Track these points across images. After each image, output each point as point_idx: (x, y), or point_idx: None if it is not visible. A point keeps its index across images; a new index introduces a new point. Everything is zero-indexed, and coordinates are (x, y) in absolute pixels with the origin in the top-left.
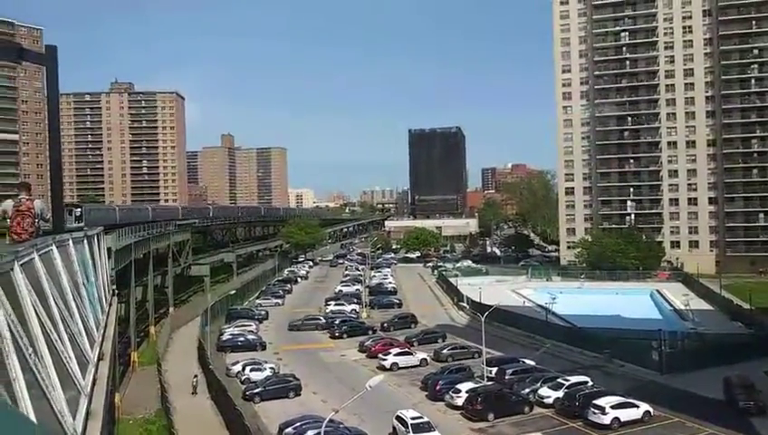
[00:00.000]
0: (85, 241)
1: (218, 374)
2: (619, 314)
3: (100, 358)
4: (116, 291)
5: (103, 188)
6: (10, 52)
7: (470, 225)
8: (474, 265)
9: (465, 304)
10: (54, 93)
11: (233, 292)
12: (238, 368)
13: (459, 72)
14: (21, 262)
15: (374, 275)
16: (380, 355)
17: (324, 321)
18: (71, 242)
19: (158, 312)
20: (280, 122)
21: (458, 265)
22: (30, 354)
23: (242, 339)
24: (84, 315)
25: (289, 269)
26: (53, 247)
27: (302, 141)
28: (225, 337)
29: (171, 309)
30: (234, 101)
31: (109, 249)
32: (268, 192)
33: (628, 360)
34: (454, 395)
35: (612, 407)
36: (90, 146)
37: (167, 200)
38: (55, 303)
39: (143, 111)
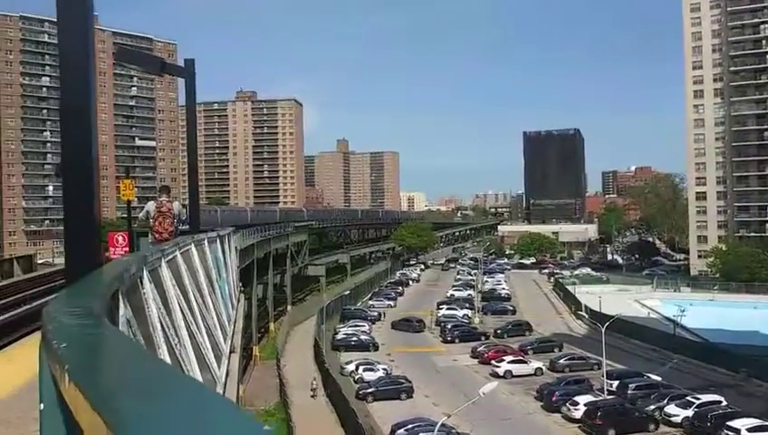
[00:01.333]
0: (218, 240)
1: (333, 372)
2: (758, 331)
3: (232, 350)
4: (242, 288)
5: (229, 191)
6: (155, 65)
7: (589, 230)
8: (593, 272)
9: (583, 314)
10: (192, 103)
11: (347, 292)
12: (352, 367)
13: (577, 71)
14: (166, 259)
15: (487, 281)
16: (493, 362)
17: (415, 322)
18: (206, 241)
19: (276, 309)
20: (393, 126)
21: (576, 272)
22: (176, 344)
23: (355, 339)
24: (218, 310)
25: (401, 272)
26: (192, 246)
27: (415, 145)
28: (339, 336)
29: (289, 307)
30: (349, 107)
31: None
32: (381, 195)
33: None
34: (571, 407)
35: (749, 430)
36: (217, 151)
37: (285, 202)
38: (194, 297)
39: (265, 118)
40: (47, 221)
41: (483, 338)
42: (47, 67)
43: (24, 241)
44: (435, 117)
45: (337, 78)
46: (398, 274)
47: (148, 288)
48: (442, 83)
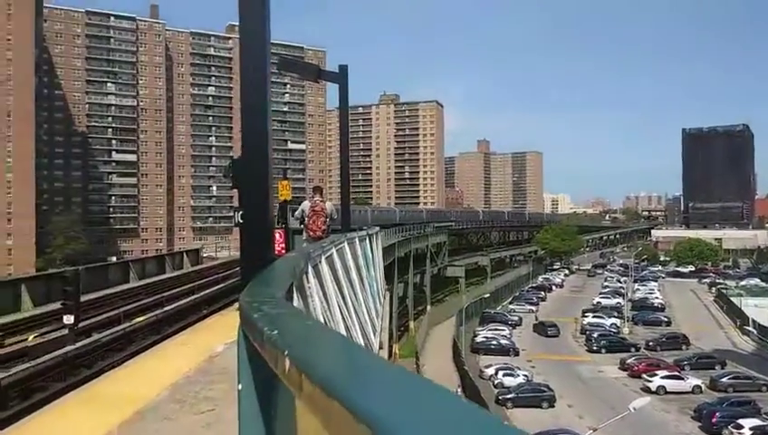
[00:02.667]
0: (367, 239)
1: (471, 375)
2: None
3: (380, 347)
4: (387, 286)
5: (371, 192)
6: (312, 72)
7: (759, 237)
8: (763, 284)
9: (750, 329)
10: (345, 107)
11: (487, 295)
12: (491, 371)
13: (743, 60)
14: (325, 256)
15: (638, 289)
16: (645, 376)
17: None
18: (357, 239)
19: (416, 308)
20: (536, 127)
21: (743, 283)
22: None
23: (495, 343)
24: (368, 305)
25: (543, 276)
26: (345, 244)
27: (560, 146)
28: (478, 339)
29: (429, 307)
30: (491, 108)
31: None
32: (522, 197)
33: None
34: (734, 431)
35: None
36: (361, 153)
37: (425, 203)
38: (348, 292)
39: (407, 120)
40: (210, 218)
41: (632, 350)
42: (213, 78)
43: (191, 236)
44: (581, 116)
45: (479, 79)
46: (540, 278)
47: (312, 283)
48: (589, 82)
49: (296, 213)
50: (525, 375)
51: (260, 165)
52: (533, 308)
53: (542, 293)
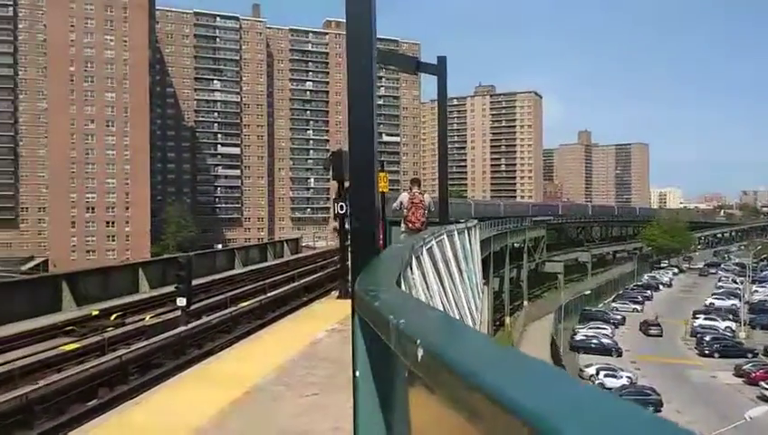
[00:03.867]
0: (465, 232)
1: (570, 374)
2: None
3: None
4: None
5: (466, 184)
6: (410, 65)
7: None
8: None
9: None
10: (443, 99)
11: (587, 292)
12: (592, 371)
13: None
14: (426, 248)
15: (756, 290)
16: (763, 383)
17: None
18: (455, 232)
19: (512, 304)
20: (642, 117)
21: None
22: None
23: (596, 342)
24: (467, 297)
25: (649, 274)
26: (444, 236)
27: (668, 137)
28: (578, 337)
29: (525, 303)
30: (592, 97)
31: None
32: (627, 190)
33: None
34: None
35: None
36: (456, 145)
37: (522, 196)
38: (448, 284)
39: (503, 112)
40: (308, 209)
41: (749, 355)
42: (310, 73)
43: (290, 226)
44: (692, 104)
45: (580, 68)
46: (645, 276)
47: (416, 273)
48: (701, 66)
49: (394, 205)
50: (629, 377)
51: (366, 157)
52: (638, 307)
53: (648, 292)
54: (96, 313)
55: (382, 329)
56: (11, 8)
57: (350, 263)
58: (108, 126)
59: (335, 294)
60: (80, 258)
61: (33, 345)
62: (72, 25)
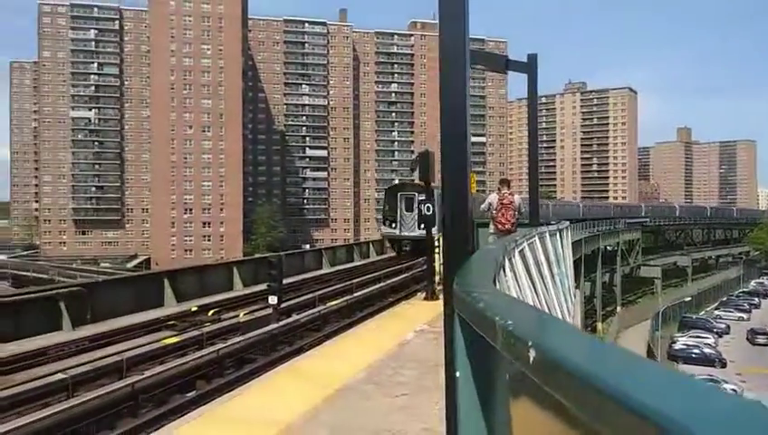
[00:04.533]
0: (557, 234)
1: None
2: None
3: None
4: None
5: (555, 184)
6: (500, 63)
7: None
8: None
9: None
10: (533, 97)
11: (688, 298)
12: None
13: None
14: (518, 249)
15: None
16: None
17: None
18: (547, 234)
19: (605, 309)
20: (748, 113)
21: None
22: None
23: (697, 351)
24: (559, 301)
25: (757, 281)
26: (536, 238)
27: None
28: (677, 346)
29: (618, 308)
30: (692, 93)
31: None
32: (731, 191)
33: None
34: None
35: None
36: (544, 145)
37: (615, 197)
38: (540, 287)
39: (594, 109)
40: None
41: None
42: (395, 75)
43: (375, 227)
44: None
45: (679, 63)
46: (753, 283)
47: (509, 276)
48: None
49: (482, 206)
50: (733, 389)
51: (458, 160)
52: (744, 316)
53: (756, 299)
54: (195, 309)
55: (487, 330)
56: (117, 21)
57: (436, 265)
58: (204, 131)
59: (421, 295)
60: (178, 257)
61: (138, 338)
62: (172, 36)
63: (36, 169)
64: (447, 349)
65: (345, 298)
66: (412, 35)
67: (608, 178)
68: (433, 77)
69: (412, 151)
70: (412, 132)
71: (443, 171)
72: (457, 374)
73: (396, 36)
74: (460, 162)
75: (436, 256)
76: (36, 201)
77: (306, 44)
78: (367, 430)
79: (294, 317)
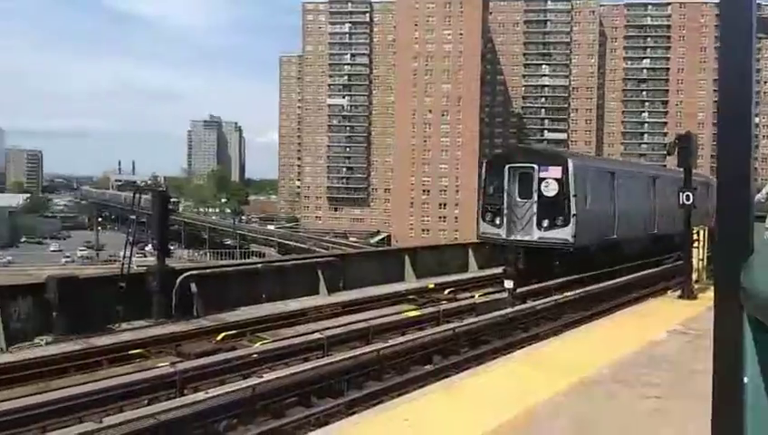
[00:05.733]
0: None
1: None
2: None
3: None
4: None
5: None
6: None
7: None
8: None
9: None
10: None
11: None
12: None
13: None
14: None
15: None
16: None
17: None
18: None
19: None
20: None
21: None
22: None
23: None
24: None
25: None
26: None
27: None
28: None
29: None
30: None
31: None
32: None
33: None
34: None
35: None
36: None
37: None
38: None
39: None
40: None
41: None
42: (648, 50)
43: None
44: None
45: None
46: None
47: None
48: None
49: (758, 196)
50: None
51: (739, 147)
52: None
53: None
54: (432, 286)
55: None
56: (368, 14)
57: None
58: (443, 115)
59: (673, 293)
60: (416, 235)
61: (383, 308)
62: (415, 24)
63: (299, 151)
64: (727, 353)
65: (585, 289)
66: (669, 4)
67: None
68: (693, 49)
69: (665, 134)
70: (665, 112)
71: (720, 157)
72: (745, 380)
73: (650, 7)
74: (741, 151)
75: (694, 251)
76: (299, 180)
77: (548, 23)
78: (613, 429)
79: (529, 304)
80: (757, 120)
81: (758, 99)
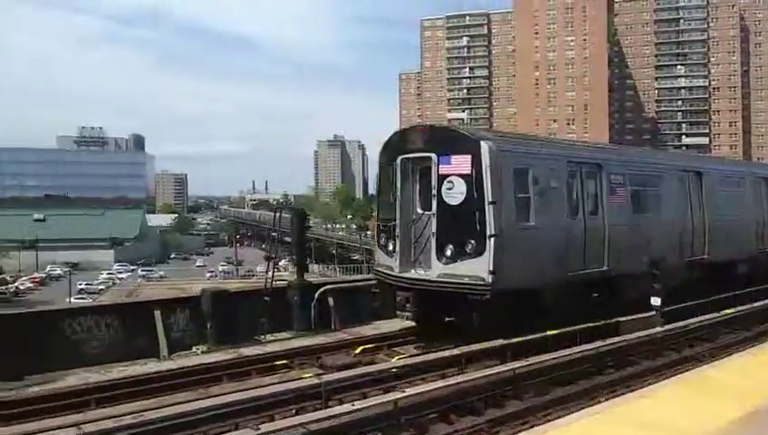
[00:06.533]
0: None
1: None
2: None
3: None
4: None
5: None
6: None
7: None
8: None
9: None
10: None
11: None
12: None
13: None
14: None
15: None
16: None
17: None
18: None
19: None
20: None
21: None
22: None
23: None
24: None
25: None
26: None
27: None
28: None
29: None
30: None
31: None
32: None
33: None
34: None
35: None
36: None
37: None
38: None
39: None
40: None
41: None
42: None
43: None
44: None
45: None
46: None
47: None
48: None
49: None
50: None
51: None
52: None
53: None
54: None
55: None
56: (486, 26)
57: None
58: (568, 124)
59: None
60: None
61: None
62: (536, 33)
63: None
64: None
65: (746, 306)
66: None
67: None
68: None
69: None
70: None
71: None
72: None
73: None
74: None
75: None
76: None
77: (681, 21)
78: None
79: (681, 323)
80: None
81: None
